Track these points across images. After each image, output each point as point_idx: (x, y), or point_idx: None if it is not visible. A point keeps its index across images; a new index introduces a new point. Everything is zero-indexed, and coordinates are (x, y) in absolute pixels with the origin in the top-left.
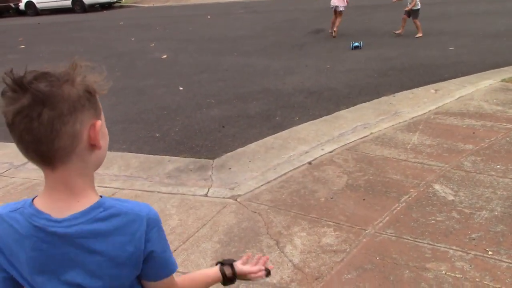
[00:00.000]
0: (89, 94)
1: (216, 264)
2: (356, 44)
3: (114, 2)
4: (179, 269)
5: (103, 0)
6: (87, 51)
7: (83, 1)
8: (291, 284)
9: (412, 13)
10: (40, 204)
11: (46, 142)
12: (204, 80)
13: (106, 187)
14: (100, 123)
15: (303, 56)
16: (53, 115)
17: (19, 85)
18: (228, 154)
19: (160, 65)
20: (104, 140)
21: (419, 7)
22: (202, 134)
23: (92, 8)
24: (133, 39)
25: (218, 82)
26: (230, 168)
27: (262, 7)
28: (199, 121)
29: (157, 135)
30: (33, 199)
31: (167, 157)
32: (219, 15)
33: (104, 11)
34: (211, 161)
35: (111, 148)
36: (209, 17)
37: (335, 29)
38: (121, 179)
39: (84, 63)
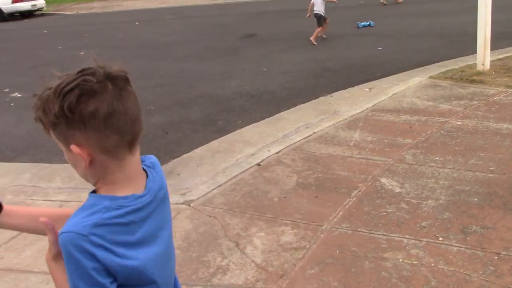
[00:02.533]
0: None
1: None
2: (365, 23)
3: (35, 10)
4: None
5: (23, 8)
6: (12, 61)
7: (1, 10)
8: (257, 284)
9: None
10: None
11: (140, 119)
12: (140, 87)
13: (51, 200)
14: None
15: (239, 60)
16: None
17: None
18: (175, 160)
19: None
20: None
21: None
22: (146, 141)
23: (12, 16)
24: (60, 47)
25: (156, 88)
26: (178, 174)
27: (191, 12)
28: None
29: None
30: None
31: None
32: (148, 21)
33: (25, 20)
34: None
35: (51, 160)
36: (137, 23)
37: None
38: (66, 191)
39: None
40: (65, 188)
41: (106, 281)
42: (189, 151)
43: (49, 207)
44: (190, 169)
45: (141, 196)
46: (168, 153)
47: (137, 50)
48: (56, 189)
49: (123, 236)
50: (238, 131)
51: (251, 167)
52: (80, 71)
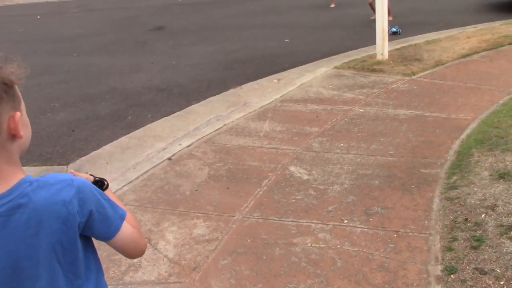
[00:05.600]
0: (6, 86)
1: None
2: (394, 29)
3: None
4: None
5: None
6: None
7: None
8: (170, 278)
9: None
10: None
11: None
12: (43, 83)
13: None
14: (19, 115)
15: (147, 53)
16: None
17: None
18: (83, 158)
19: None
20: (25, 128)
21: None
22: (51, 140)
23: None
24: None
25: (60, 84)
26: (87, 173)
27: (97, 5)
28: (45, 126)
29: None
30: None
31: None
32: (51, 14)
33: None
34: (65, 167)
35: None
36: (39, 17)
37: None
38: None
39: None
40: None
41: None
42: (97, 149)
43: None
44: (99, 166)
45: None
46: (75, 151)
47: (39, 44)
48: None
49: None
50: (148, 126)
51: (162, 162)
52: None
